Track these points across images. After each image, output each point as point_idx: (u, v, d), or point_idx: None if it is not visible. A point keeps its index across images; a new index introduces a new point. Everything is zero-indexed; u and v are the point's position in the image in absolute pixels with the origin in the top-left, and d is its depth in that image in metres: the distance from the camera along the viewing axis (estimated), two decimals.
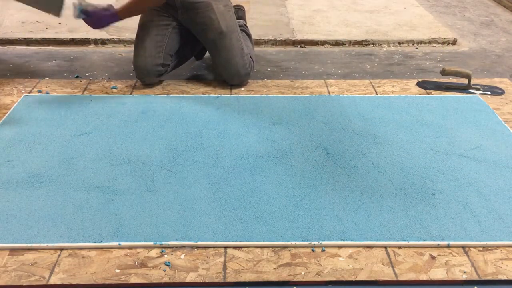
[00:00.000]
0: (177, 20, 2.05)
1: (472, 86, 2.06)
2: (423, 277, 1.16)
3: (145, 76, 2.04)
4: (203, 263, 1.19)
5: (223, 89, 2.05)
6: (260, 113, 1.85)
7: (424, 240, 1.25)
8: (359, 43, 2.61)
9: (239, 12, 2.40)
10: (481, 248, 1.24)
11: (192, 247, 1.23)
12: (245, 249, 1.23)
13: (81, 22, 1.97)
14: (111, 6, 1.95)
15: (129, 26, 2.70)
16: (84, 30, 2.63)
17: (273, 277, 1.15)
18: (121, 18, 1.96)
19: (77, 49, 2.50)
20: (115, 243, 1.23)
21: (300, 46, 2.59)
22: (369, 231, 1.28)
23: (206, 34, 2.04)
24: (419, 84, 2.12)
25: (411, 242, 1.25)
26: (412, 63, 2.40)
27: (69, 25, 2.67)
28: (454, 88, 2.08)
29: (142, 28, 2.06)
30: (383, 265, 1.19)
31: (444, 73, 2.05)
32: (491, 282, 1.16)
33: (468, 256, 1.22)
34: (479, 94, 2.03)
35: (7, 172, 1.49)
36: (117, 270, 1.16)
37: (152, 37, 2.02)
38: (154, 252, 1.22)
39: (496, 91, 2.05)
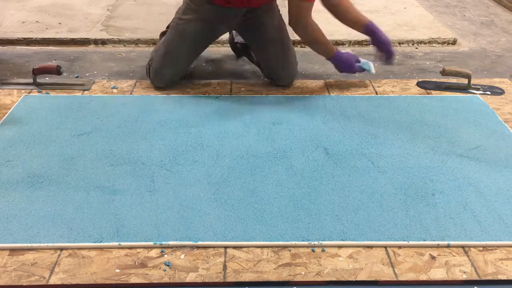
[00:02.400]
0: (220, 30, 2.04)
1: (472, 86, 2.06)
2: (423, 277, 1.16)
3: (164, 85, 2.02)
4: (203, 263, 1.19)
5: (223, 89, 2.05)
6: (260, 113, 1.85)
7: (424, 240, 1.25)
8: (359, 43, 2.60)
9: None
10: (481, 248, 1.24)
11: (192, 247, 1.23)
12: (245, 249, 1.23)
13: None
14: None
15: (129, 26, 2.70)
16: (84, 30, 2.63)
17: (273, 277, 1.15)
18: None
19: (77, 49, 2.50)
20: (115, 243, 1.23)
21: (300, 46, 2.59)
22: (369, 231, 1.28)
23: (267, 34, 2.02)
24: (419, 84, 2.12)
25: (411, 242, 1.25)
26: (412, 63, 2.40)
27: (69, 25, 2.67)
28: (454, 88, 2.08)
29: (184, 38, 1.96)
30: (383, 265, 1.19)
31: (444, 73, 2.05)
32: (491, 282, 1.16)
33: (468, 256, 1.22)
34: (479, 94, 2.03)
35: (7, 172, 1.49)
36: (117, 270, 1.16)
37: (192, 52, 2.01)
38: (154, 252, 1.22)
39: (496, 91, 2.05)
